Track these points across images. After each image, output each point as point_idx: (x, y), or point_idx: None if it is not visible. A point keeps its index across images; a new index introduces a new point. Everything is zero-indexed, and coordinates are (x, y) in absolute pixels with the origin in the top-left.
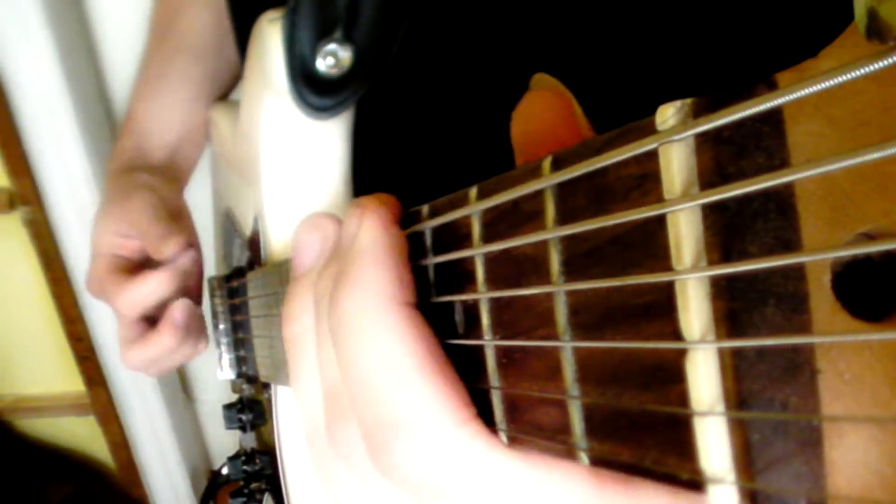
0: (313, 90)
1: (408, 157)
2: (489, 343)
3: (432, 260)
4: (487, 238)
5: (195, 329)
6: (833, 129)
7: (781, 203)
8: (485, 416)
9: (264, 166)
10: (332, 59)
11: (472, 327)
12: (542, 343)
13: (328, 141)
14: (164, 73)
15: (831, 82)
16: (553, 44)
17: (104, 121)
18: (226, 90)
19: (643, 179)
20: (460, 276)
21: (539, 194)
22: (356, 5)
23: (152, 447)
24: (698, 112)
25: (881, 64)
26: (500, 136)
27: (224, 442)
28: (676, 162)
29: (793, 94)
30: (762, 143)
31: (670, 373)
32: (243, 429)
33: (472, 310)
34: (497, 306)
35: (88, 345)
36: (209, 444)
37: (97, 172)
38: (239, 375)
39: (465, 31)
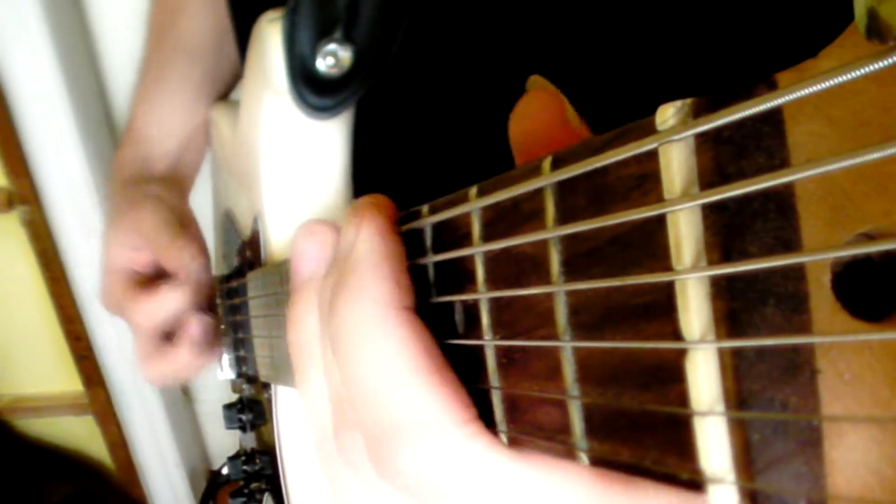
0: (313, 90)
1: (408, 157)
2: (489, 343)
3: (432, 259)
4: (487, 237)
5: (211, 339)
6: (833, 129)
7: (781, 203)
8: (485, 416)
9: (264, 166)
10: (332, 59)
11: (472, 327)
12: (542, 343)
13: (328, 141)
14: (164, 75)
15: (831, 82)
16: (553, 44)
17: (103, 120)
18: (225, 90)
19: (643, 179)
20: (460, 275)
21: (539, 194)
22: (356, 5)
23: (151, 447)
24: (698, 112)
25: (881, 64)
26: (499, 136)
27: (223, 442)
28: (676, 162)
29: (793, 94)
30: (762, 143)
31: (670, 373)
32: (243, 429)
33: (471, 310)
34: (497, 306)
35: (87, 344)
36: (208, 444)
37: (96, 172)
38: (239, 375)
39: (465, 32)
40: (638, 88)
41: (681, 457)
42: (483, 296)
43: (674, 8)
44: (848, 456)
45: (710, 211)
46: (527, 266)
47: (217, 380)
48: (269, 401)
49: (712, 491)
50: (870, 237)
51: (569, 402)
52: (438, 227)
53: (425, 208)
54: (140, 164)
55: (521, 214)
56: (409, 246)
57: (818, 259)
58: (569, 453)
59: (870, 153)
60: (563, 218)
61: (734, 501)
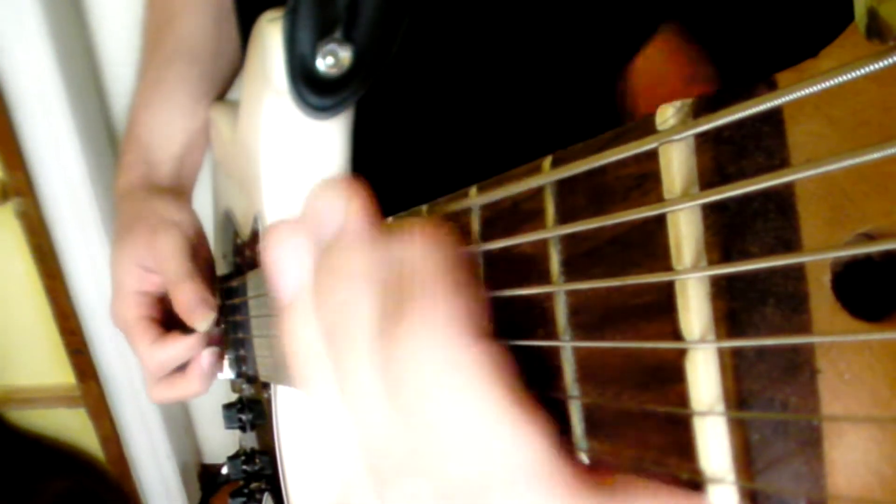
0: (313, 90)
1: (407, 157)
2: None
3: None
4: (487, 237)
5: (217, 366)
6: (833, 129)
7: (781, 203)
8: None
9: (264, 166)
10: (331, 58)
11: None
12: (541, 343)
13: (328, 141)
14: (162, 78)
15: (831, 82)
16: (553, 44)
17: (99, 113)
18: (224, 90)
19: (643, 179)
20: None
21: (539, 193)
22: (356, 5)
23: (143, 441)
24: (698, 112)
25: (881, 64)
26: (500, 135)
27: (215, 437)
28: (676, 162)
29: (793, 94)
30: (762, 143)
31: (670, 373)
32: (243, 429)
33: None
34: (497, 306)
35: (81, 338)
36: (200, 439)
37: (91, 165)
38: (239, 375)
39: (465, 32)
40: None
41: (681, 457)
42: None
43: (674, 8)
44: (848, 456)
45: (710, 211)
46: (526, 266)
47: (219, 379)
48: (269, 401)
49: (712, 491)
50: (870, 237)
51: (569, 401)
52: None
53: (424, 208)
54: (144, 170)
55: (520, 214)
56: None
57: (818, 259)
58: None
59: (870, 153)
60: (563, 218)
61: (734, 501)
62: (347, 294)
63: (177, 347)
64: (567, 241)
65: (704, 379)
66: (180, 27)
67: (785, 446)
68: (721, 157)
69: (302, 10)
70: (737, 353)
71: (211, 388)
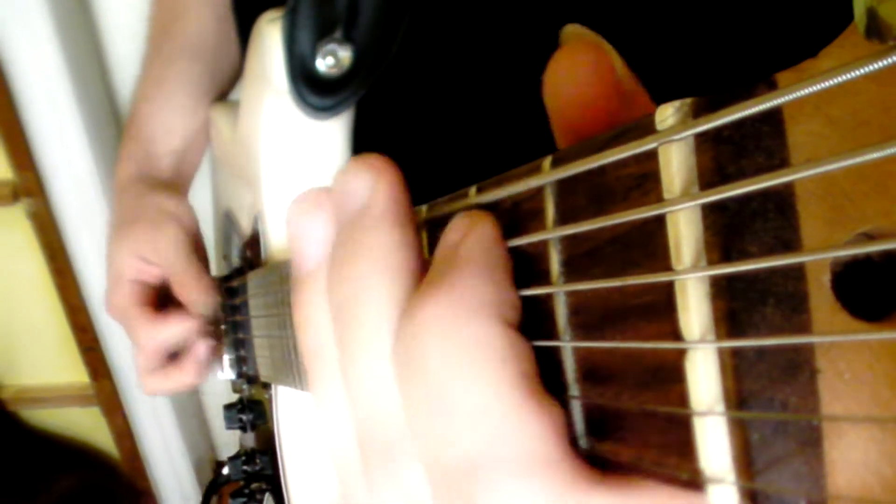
0: (313, 90)
1: (408, 156)
2: None
3: (431, 258)
4: None
5: (214, 357)
6: (833, 129)
7: (781, 203)
8: None
9: (264, 166)
10: (331, 58)
11: None
12: (541, 343)
13: (328, 141)
14: (166, 74)
15: (831, 82)
16: (552, 46)
17: (108, 112)
18: (226, 89)
19: (643, 179)
20: None
21: (539, 193)
22: (356, 5)
23: (157, 438)
24: (698, 112)
25: (881, 64)
26: (500, 135)
27: (230, 433)
28: (676, 162)
29: (793, 94)
30: (762, 143)
31: (670, 373)
32: (243, 429)
33: None
34: None
35: (93, 335)
36: (214, 436)
37: (101, 164)
38: (239, 375)
39: (465, 32)
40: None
41: (680, 457)
42: None
43: (674, 8)
44: (848, 456)
45: (709, 211)
46: (527, 266)
47: (219, 379)
48: (270, 401)
49: (712, 491)
50: (870, 237)
51: (569, 401)
52: (436, 226)
53: (424, 208)
54: (144, 162)
55: (520, 214)
56: None
57: (818, 259)
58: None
59: (870, 153)
60: (563, 218)
61: (734, 501)
62: (361, 271)
63: (175, 327)
64: (567, 241)
65: (704, 379)
66: (185, 25)
67: (785, 446)
68: (721, 156)
69: (302, 10)
70: (737, 353)
71: (214, 383)
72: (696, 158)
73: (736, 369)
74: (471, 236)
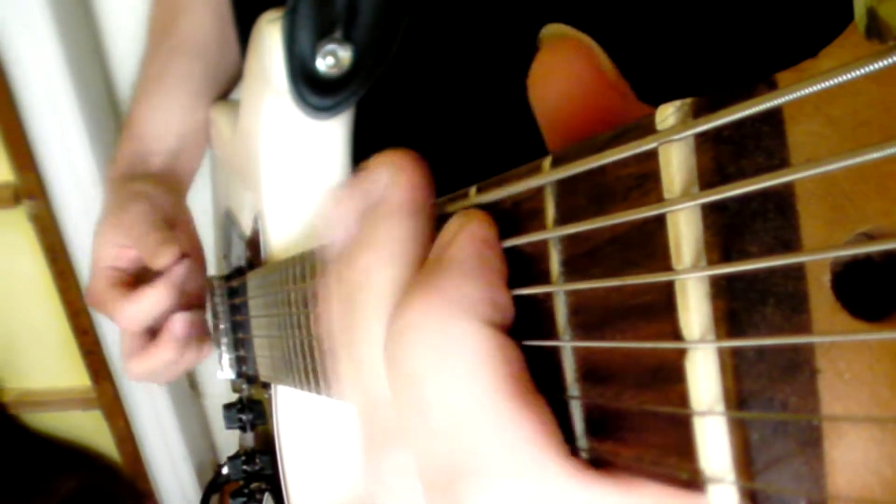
0: (313, 90)
1: None
2: None
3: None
4: None
5: (197, 337)
6: (833, 129)
7: (781, 203)
8: None
9: (264, 166)
10: (331, 58)
11: None
12: (542, 343)
13: (328, 141)
14: (164, 74)
15: (831, 82)
16: None
17: (109, 114)
18: (226, 89)
19: (643, 179)
20: None
21: (539, 193)
22: (356, 5)
23: (158, 441)
24: (698, 112)
25: (881, 64)
26: (500, 135)
27: (231, 436)
28: (676, 161)
29: (793, 94)
30: (762, 143)
31: (670, 373)
32: (243, 429)
33: None
34: None
35: (94, 338)
36: (215, 439)
37: (102, 166)
38: (239, 375)
39: (465, 32)
40: (637, 88)
41: (680, 457)
42: None
43: (674, 8)
44: (848, 456)
45: (709, 211)
46: (527, 266)
47: (219, 378)
48: (269, 401)
49: (712, 491)
50: (870, 237)
51: (569, 401)
52: (439, 226)
53: None
54: (134, 161)
55: (521, 214)
56: None
57: (818, 259)
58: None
59: (870, 153)
60: (563, 218)
61: (734, 501)
62: (367, 261)
63: (146, 298)
64: (567, 241)
65: (704, 379)
66: (185, 24)
67: (785, 446)
68: (721, 156)
69: (301, 11)
70: (737, 353)
71: (214, 386)
72: (697, 158)
73: (736, 369)
74: (460, 236)
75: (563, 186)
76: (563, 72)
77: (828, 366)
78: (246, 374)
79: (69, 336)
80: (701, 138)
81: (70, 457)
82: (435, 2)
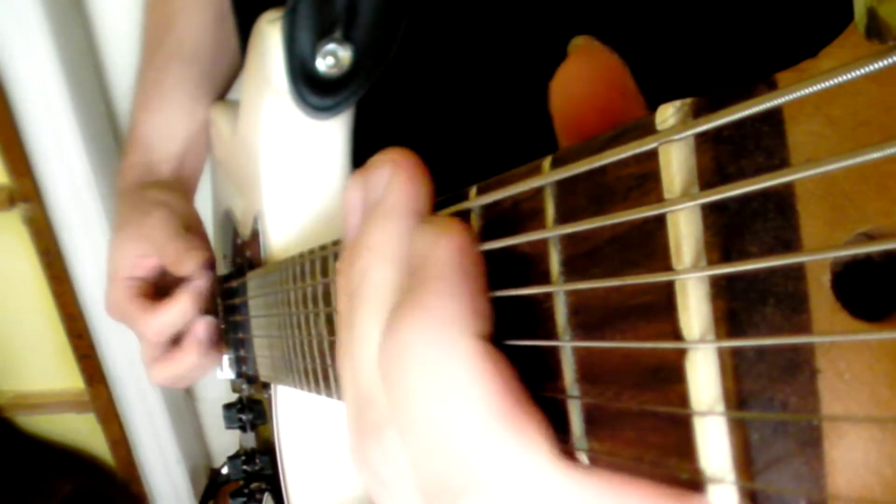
0: (313, 90)
1: None
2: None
3: None
4: (487, 237)
5: (216, 339)
6: (833, 129)
7: (781, 203)
8: None
9: (264, 166)
10: (331, 58)
11: None
12: (542, 343)
13: (328, 141)
14: (162, 78)
15: (831, 82)
16: (553, 47)
17: (105, 118)
18: (224, 89)
19: (643, 179)
20: None
21: (539, 193)
22: (356, 5)
23: (152, 445)
24: (698, 112)
25: (881, 64)
26: (499, 136)
27: (224, 440)
28: (676, 162)
29: (793, 94)
30: (762, 143)
31: (670, 373)
32: (243, 429)
33: None
34: (497, 306)
35: (88, 342)
36: (209, 443)
37: (97, 169)
38: (239, 375)
39: (465, 32)
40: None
41: (681, 457)
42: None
43: (674, 8)
44: (848, 456)
45: (709, 211)
46: (527, 266)
47: (218, 378)
48: (269, 401)
49: (712, 491)
50: (870, 237)
51: (569, 401)
52: None
53: None
54: (143, 169)
55: (520, 214)
56: None
57: (818, 259)
58: (569, 453)
59: (870, 153)
60: (563, 218)
61: (734, 501)
62: (366, 262)
63: (171, 310)
64: (567, 241)
65: (704, 379)
66: (180, 27)
67: (785, 446)
68: (721, 156)
69: (301, 11)
70: (737, 353)
71: (209, 390)
72: (697, 158)
73: (736, 369)
74: (439, 250)
75: (563, 186)
76: (590, 81)
77: (828, 366)
78: (246, 374)
79: (64, 339)
80: (701, 138)
81: (65, 460)
82: (435, 2)
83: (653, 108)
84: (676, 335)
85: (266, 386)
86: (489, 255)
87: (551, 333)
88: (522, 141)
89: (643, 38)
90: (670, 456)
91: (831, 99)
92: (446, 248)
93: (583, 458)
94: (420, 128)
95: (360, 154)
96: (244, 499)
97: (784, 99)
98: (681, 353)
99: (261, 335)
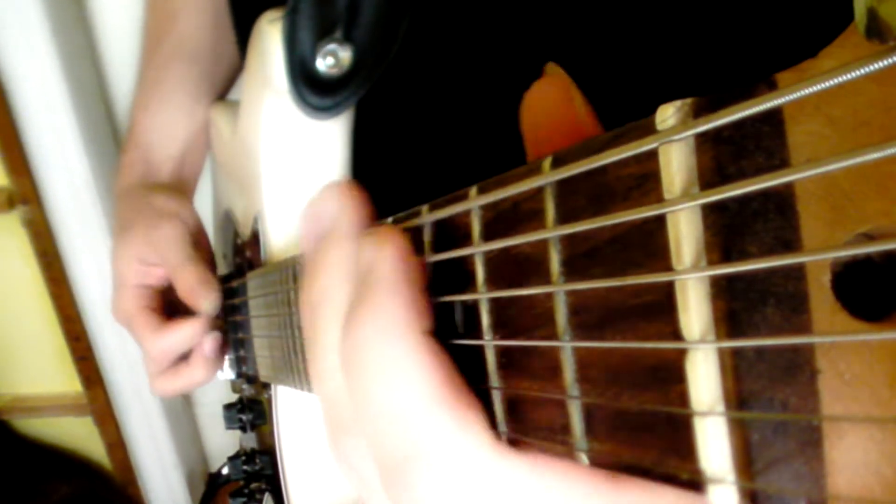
0: (313, 90)
1: (408, 156)
2: (489, 343)
3: (432, 258)
4: (487, 238)
5: (221, 352)
6: (833, 129)
7: (781, 203)
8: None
9: (264, 166)
10: (332, 58)
11: (473, 327)
12: (542, 343)
13: (328, 141)
14: (162, 79)
15: (831, 82)
16: (553, 46)
17: (105, 119)
18: (224, 90)
19: (643, 179)
20: (460, 275)
21: (539, 193)
22: (356, 5)
23: (149, 448)
24: (698, 112)
25: (881, 64)
26: (499, 136)
27: (221, 444)
28: (676, 162)
29: (793, 94)
30: (762, 143)
31: (670, 373)
32: (243, 429)
33: (472, 310)
34: (497, 306)
35: (86, 344)
36: (206, 447)
37: (97, 172)
38: (239, 375)
39: (465, 32)
40: (638, 88)
41: (681, 457)
42: (483, 296)
43: (675, 8)
44: (848, 456)
45: (710, 211)
46: (527, 266)
47: (215, 383)
48: (269, 401)
49: (712, 491)
50: (870, 237)
51: (569, 401)
52: (438, 227)
53: (425, 207)
54: (143, 169)
55: (521, 214)
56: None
57: (818, 259)
58: (569, 453)
59: (870, 153)
60: (563, 218)
61: (734, 501)
62: (324, 282)
63: (180, 333)
64: (567, 241)
65: (704, 379)
66: (180, 27)
67: (785, 446)
68: (721, 157)
69: (302, 11)
70: (737, 354)
71: (206, 394)
72: (697, 158)
73: (736, 369)
74: (381, 259)
75: (563, 187)
76: (546, 106)
77: (828, 366)
78: (246, 375)
79: (61, 342)
80: (701, 138)
81: (62, 463)
82: (435, 2)
83: (653, 108)
84: (676, 335)
85: (266, 386)
86: (489, 256)
87: (551, 333)
88: (520, 140)
89: (643, 37)
90: (670, 456)
91: (831, 99)
92: (388, 255)
93: (583, 458)
94: (420, 128)
95: (360, 154)
96: (244, 499)
97: (784, 99)
98: (681, 354)
99: (261, 335)
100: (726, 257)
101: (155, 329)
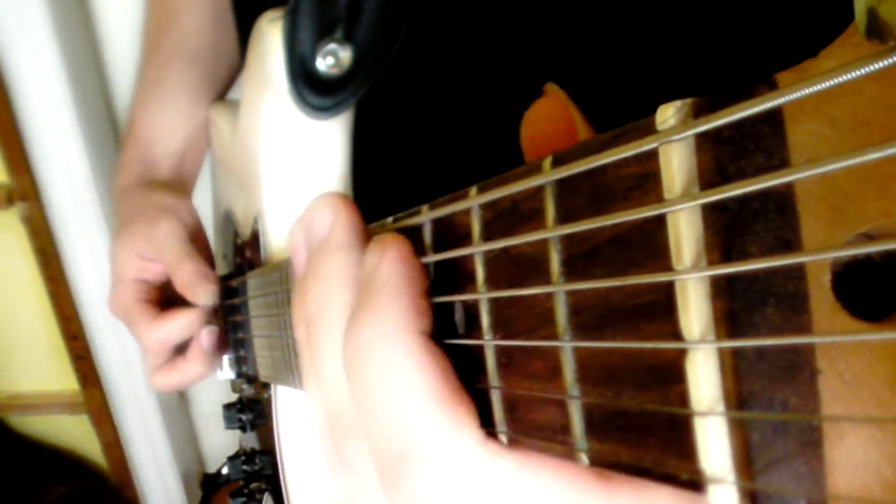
0: (313, 90)
1: (408, 156)
2: (489, 343)
3: (432, 258)
4: (487, 237)
5: (219, 347)
6: (833, 129)
7: (781, 203)
8: (484, 416)
9: (264, 166)
10: (332, 58)
11: (472, 327)
12: (542, 343)
13: (328, 141)
14: (162, 78)
15: (831, 82)
16: (553, 45)
17: (105, 117)
18: (224, 89)
19: (643, 179)
20: (460, 275)
21: (539, 193)
22: (357, 5)
23: (145, 448)
24: (698, 112)
25: (881, 64)
26: (499, 136)
27: (218, 444)
28: (676, 162)
29: (793, 94)
30: (762, 143)
31: (670, 373)
32: (243, 429)
33: (472, 310)
34: (497, 306)
35: (84, 343)
36: (202, 447)
37: (97, 169)
38: (239, 375)
39: (466, 32)
40: (638, 88)
41: (681, 457)
42: (483, 296)
43: (675, 8)
44: (848, 456)
45: (710, 211)
46: (527, 266)
47: (212, 382)
48: (269, 401)
49: (712, 491)
50: (870, 237)
51: (569, 401)
52: (438, 227)
53: (425, 207)
54: (143, 166)
55: (521, 214)
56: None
57: (818, 259)
58: (568, 453)
59: (870, 153)
60: (563, 218)
61: (734, 501)
62: (321, 291)
63: (176, 322)
64: (567, 241)
65: (704, 379)
66: (181, 26)
67: (785, 446)
68: (721, 157)
69: (302, 11)
70: (737, 354)
71: (202, 394)
72: (697, 158)
73: (736, 369)
74: (384, 263)
75: (564, 186)
76: (546, 125)
77: (828, 366)
78: (246, 374)
79: (58, 340)
80: (701, 138)
81: (58, 462)
82: (436, 3)
83: (653, 108)
84: (676, 335)
85: (266, 386)
86: (489, 256)
87: (551, 333)
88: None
89: (644, 37)
90: (670, 456)
91: (832, 99)
92: (391, 259)
93: (583, 458)
94: (420, 128)
95: (361, 154)
96: (244, 499)
97: (784, 99)
98: (681, 354)
99: (261, 335)
100: (726, 257)
101: (151, 320)
